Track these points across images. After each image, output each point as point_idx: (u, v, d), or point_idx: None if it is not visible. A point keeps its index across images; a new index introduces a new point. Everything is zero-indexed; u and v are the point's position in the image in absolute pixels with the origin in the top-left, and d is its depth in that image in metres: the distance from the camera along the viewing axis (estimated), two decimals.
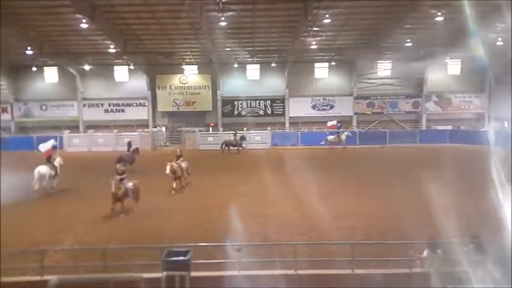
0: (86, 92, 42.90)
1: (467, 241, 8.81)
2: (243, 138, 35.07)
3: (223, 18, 28.37)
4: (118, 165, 14.51)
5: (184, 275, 8.12)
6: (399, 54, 39.69)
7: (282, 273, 8.86)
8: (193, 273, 8.53)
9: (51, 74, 42.58)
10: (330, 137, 34.63)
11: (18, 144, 36.17)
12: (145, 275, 8.24)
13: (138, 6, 27.93)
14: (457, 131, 39.58)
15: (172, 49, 35.96)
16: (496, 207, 10.03)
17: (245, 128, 38.16)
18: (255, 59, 40.25)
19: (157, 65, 40.70)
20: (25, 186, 17.34)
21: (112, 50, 35.50)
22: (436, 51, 38.02)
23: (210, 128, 41.93)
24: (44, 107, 42.49)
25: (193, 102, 42.68)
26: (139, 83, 42.64)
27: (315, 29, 31.73)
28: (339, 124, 37.37)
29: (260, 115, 42.56)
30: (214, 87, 42.52)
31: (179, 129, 40.49)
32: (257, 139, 37.86)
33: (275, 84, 42.93)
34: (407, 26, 31.99)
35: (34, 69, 40.02)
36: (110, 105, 42.91)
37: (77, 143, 37.54)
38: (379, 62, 42.36)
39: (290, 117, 42.90)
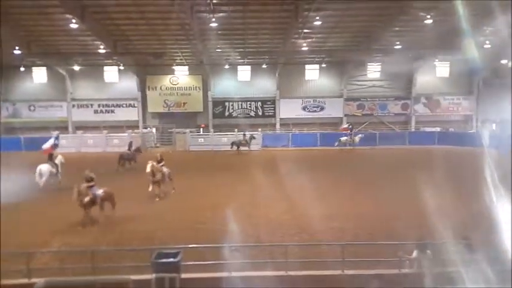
0: (75, 92, 42.51)
1: (457, 241, 8.89)
2: (252, 137, 35.00)
3: (214, 19, 28.32)
4: (87, 172, 13.60)
5: (174, 276, 8.06)
6: (389, 57, 40.01)
7: (273, 275, 8.84)
8: (183, 275, 8.47)
9: (39, 74, 42.13)
10: (343, 138, 34.69)
11: (5, 145, 35.54)
12: (135, 277, 8.20)
13: (128, 7, 27.74)
14: (445, 133, 40.04)
15: (163, 50, 35.79)
16: (488, 208, 10.18)
17: (236, 129, 38.12)
18: (246, 60, 40.29)
19: (148, 66, 40.51)
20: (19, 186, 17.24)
21: (102, 51, 35.22)
22: (425, 54, 38.46)
23: (201, 129, 41.85)
24: (32, 108, 41.99)
25: (184, 103, 42.55)
26: (129, 84, 42.37)
27: (305, 31, 31.86)
28: (351, 126, 37.68)
29: (251, 116, 42.59)
30: (205, 88, 42.45)
31: (170, 130, 40.29)
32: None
33: (266, 85, 43.00)
34: (397, 28, 32.28)
35: (22, 69, 39.54)
36: (99, 106, 42.58)
37: (65, 144, 37.06)
38: (369, 64, 42.70)
39: (281, 119, 43.02)
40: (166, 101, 42.44)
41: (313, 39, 34.54)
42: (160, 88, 42.48)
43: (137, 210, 14.32)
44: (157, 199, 16.15)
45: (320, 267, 9.12)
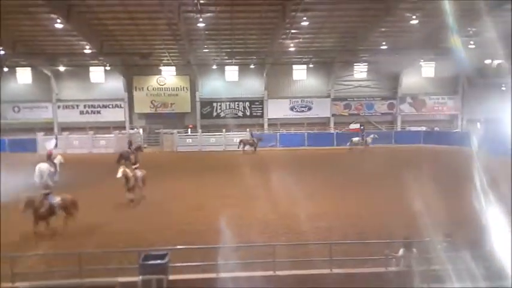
0: (60, 93, 41.99)
1: (441, 240, 9.03)
2: (259, 139, 35.01)
3: (201, 20, 28.25)
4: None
5: (162, 278, 8.03)
6: (375, 57, 40.45)
7: (261, 275, 8.85)
8: (171, 277, 8.44)
9: (24, 75, 41.52)
10: (355, 139, 34.63)
11: None
12: (121, 279, 8.14)
13: (114, 7, 27.52)
14: (431, 132, 40.58)
15: (150, 50, 35.58)
16: (477, 207, 10.37)
17: (224, 130, 38.10)
18: (234, 61, 40.27)
19: (134, 66, 40.21)
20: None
21: (88, 51, 34.82)
22: (411, 54, 38.93)
23: (189, 129, 41.68)
24: (16, 109, 41.33)
25: (172, 104, 42.37)
26: (115, 84, 42.00)
27: (293, 31, 32.00)
28: (362, 127, 37.79)
29: (239, 117, 42.59)
30: (193, 88, 42.31)
31: (157, 130, 40.06)
32: (236, 141, 37.77)
33: (254, 85, 43.05)
34: (383, 29, 32.63)
35: (6, 69, 38.82)
36: (85, 106, 42.14)
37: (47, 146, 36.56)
38: (355, 64, 43.05)
39: (269, 119, 43.12)
40: (153, 101, 42.20)
41: (301, 40, 34.70)
42: (147, 88, 42.20)
43: (118, 215, 14.16)
44: (132, 204, 15.14)
45: (309, 267, 9.16)
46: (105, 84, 42.39)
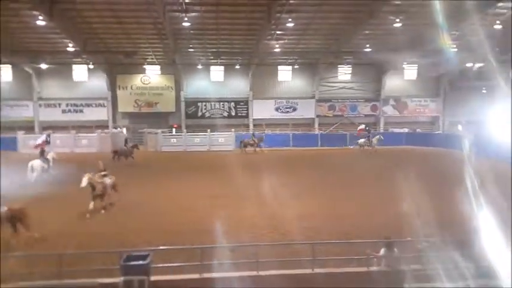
0: (42, 91, 41.25)
1: (422, 240, 9.18)
2: (260, 139, 34.95)
3: (186, 19, 28.14)
4: None
5: (143, 279, 7.96)
6: (359, 59, 40.92)
7: (244, 275, 8.85)
8: (153, 277, 8.37)
9: (5, 73, 40.56)
10: (361, 140, 34.70)
11: None
12: (102, 281, 8.05)
13: (99, 5, 27.20)
14: (413, 134, 41.21)
15: (134, 49, 35.24)
16: (467, 208, 10.61)
17: (209, 130, 37.98)
18: (219, 61, 40.18)
19: (118, 65, 39.76)
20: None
21: (71, 49, 34.28)
22: (394, 57, 39.47)
23: (173, 129, 41.39)
24: None
25: (156, 103, 42.01)
26: (98, 83, 41.48)
27: (278, 32, 32.11)
28: (368, 128, 37.78)
29: (224, 117, 42.49)
30: (178, 88, 42.07)
31: (141, 130, 39.67)
32: (221, 141, 37.76)
33: (239, 86, 43.04)
34: (367, 31, 33.01)
35: None
36: (67, 105, 41.48)
37: (32, 145, 35.84)
38: (339, 66, 43.45)
39: (254, 119, 43.15)
40: (137, 100, 41.78)
41: (286, 41, 34.86)
42: (131, 87, 41.76)
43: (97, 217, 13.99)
44: (102, 211, 14.11)
45: (291, 267, 9.20)
46: (88, 83, 41.81)
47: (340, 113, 44.01)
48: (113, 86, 41.57)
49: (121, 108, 42.03)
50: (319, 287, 8.77)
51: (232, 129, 38.93)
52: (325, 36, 35.19)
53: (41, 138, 24.09)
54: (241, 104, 43.10)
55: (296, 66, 41.92)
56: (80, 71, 41.52)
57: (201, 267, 8.74)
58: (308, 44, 36.71)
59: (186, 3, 26.77)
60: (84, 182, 13.36)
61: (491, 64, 31.43)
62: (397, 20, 29.19)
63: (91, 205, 13.69)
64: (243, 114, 43.17)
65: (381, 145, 34.28)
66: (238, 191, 16.98)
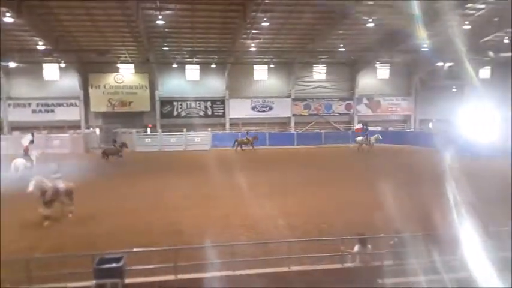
0: (11, 91, 39.81)
1: (392, 236, 9.37)
2: (255, 138, 34.87)
3: (160, 17, 27.79)
4: None
5: (117, 282, 7.81)
6: (333, 59, 41.47)
7: (220, 275, 8.82)
8: (127, 280, 8.23)
9: None
10: (358, 138, 34.76)
11: None
12: (74, 285, 7.86)
13: (70, 2, 26.51)
14: (385, 132, 42.02)
15: (107, 47, 34.51)
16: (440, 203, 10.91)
17: (185, 129, 37.65)
18: (195, 60, 39.86)
19: (91, 63, 38.82)
20: None
21: (41, 47, 33.25)
22: (367, 56, 40.22)
23: (148, 129, 40.79)
24: None
25: (130, 103, 41.25)
26: (70, 82, 40.44)
27: (253, 31, 32.14)
28: (365, 126, 37.78)
29: (200, 116, 42.19)
30: (153, 87, 41.45)
31: (114, 130, 38.88)
32: (197, 140, 37.50)
33: (215, 85, 42.82)
34: (340, 31, 33.46)
35: None
36: (38, 105, 40.25)
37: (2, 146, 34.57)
38: (314, 65, 43.87)
39: (230, 118, 43.04)
40: (110, 99, 40.92)
41: (261, 40, 34.95)
42: (104, 86, 40.88)
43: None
44: (46, 223, 12.33)
45: (267, 265, 9.22)
46: (59, 82, 40.67)
47: (315, 112, 44.45)
48: (85, 85, 40.59)
49: (94, 107, 41.08)
50: (296, 286, 8.83)
51: (209, 129, 38.73)
52: (300, 36, 35.48)
53: (27, 138, 24.18)
54: (218, 103, 42.91)
55: (272, 66, 42.05)
56: (50, 70, 40.34)
57: (177, 268, 8.65)
58: (283, 44, 36.93)
59: (161, 1, 26.44)
60: (31, 186, 11.98)
61: (460, 64, 32.52)
62: (370, 20, 29.72)
63: (41, 210, 12.34)
64: (220, 113, 42.99)
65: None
66: (216, 190, 16.97)
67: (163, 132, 38.79)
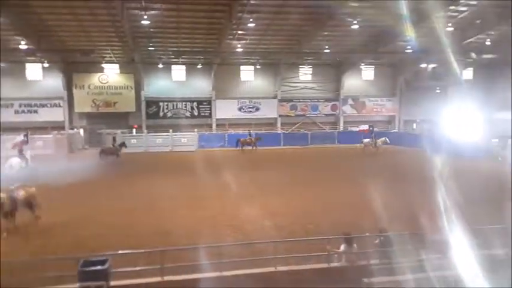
0: None
1: (377, 235, 9.48)
2: (258, 138, 34.73)
3: (146, 17, 27.56)
4: None
5: (102, 284, 7.72)
6: (319, 60, 41.73)
7: (207, 276, 8.78)
8: (112, 283, 8.13)
9: None
10: (366, 140, 34.53)
11: None
12: (58, 287, 7.74)
13: (54, 1, 26.10)
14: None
15: (92, 47, 34.03)
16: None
17: (171, 130, 37.41)
18: (181, 60, 39.64)
19: (75, 63, 38.23)
20: None
21: (24, 46, 32.61)
22: (352, 58, 40.57)
23: (134, 130, 40.39)
24: None
25: (115, 103, 40.75)
26: (54, 82, 39.77)
27: (239, 32, 32.11)
28: (371, 128, 37.87)
29: (187, 117, 41.96)
30: (138, 87, 41.05)
31: (99, 131, 38.40)
32: (184, 141, 37.31)
33: (201, 85, 42.64)
34: (326, 33, 33.69)
35: None
36: (20, 105, 39.45)
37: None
38: (300, 66, 44.08)
39: (217, 119, 42.91)
40: (94, 100, 40.38)
41: (248, 41, 34.94)
42: (89, 87, 40.33)
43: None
44: (4, 234, 11.42)
45: (254, 266, 9.23)
46: (42, 82, 39.96)
47: (301, 113, 44.65)
48: (69, 85, 39.96)
49: (78, 108, 40.49)
50: (282, 286, 8.85)
51: (195, 130, 38.55)
52: (286, 37, 35.61)
53: (18, 138, 24.81)
54: (204, 103, 42.73)
55: (258, 66, 42.08)
56: (33, 70, 39.60)
57: (163, 270, 8.59)
58: (269, 44, 37.00)
59: (146, 1, 26.23)
60: None
61: (444, 65, 33.04)
62: (355, 22, 29.99)
63: (5, 223, 11.38)
64: (206, 114, 42.82)
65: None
66: (203, 190, 16.98)
67: (149, 133, 38.46)
